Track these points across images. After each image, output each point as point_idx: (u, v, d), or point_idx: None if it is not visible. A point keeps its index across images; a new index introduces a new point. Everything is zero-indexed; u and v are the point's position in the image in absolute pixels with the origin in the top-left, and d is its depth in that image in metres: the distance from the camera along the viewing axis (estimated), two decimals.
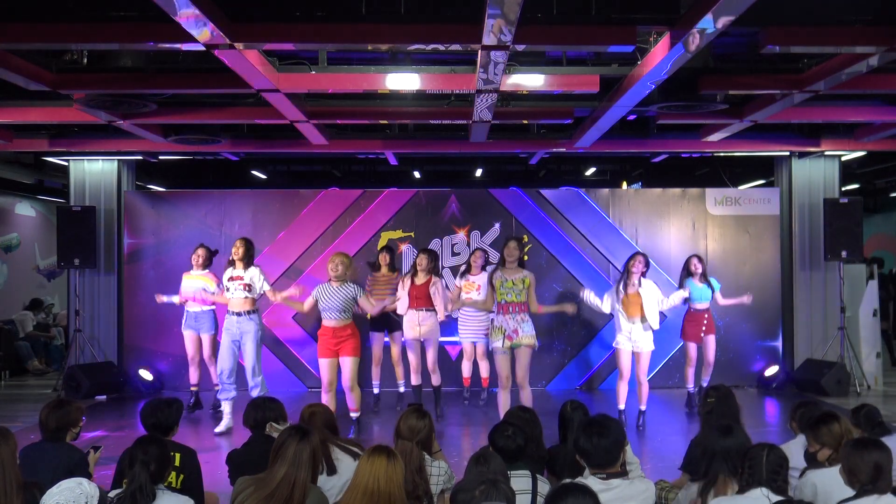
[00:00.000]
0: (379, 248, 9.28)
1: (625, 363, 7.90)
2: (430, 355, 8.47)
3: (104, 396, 10.04)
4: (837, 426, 4.06)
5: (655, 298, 7.91)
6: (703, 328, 8.89)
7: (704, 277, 8.94)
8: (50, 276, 15.55)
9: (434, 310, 8.39)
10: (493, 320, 7.35)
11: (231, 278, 7.89)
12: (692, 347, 8.93)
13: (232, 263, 7.95)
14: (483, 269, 8.86)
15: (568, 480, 3.30)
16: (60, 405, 4.41)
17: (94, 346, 10.76)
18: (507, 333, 7.10)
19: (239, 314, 7.83)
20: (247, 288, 7.83)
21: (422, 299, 8.35)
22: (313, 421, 4.29)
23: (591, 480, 3.44)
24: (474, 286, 8.64)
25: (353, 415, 7.52)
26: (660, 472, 5.67)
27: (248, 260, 7.92)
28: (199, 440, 7.59)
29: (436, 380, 8.60)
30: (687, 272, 8.95)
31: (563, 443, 4.49)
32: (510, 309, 7.14)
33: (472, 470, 3.51)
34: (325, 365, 7.36)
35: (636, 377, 7.96)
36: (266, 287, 7.89)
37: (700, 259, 9.05)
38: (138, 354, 10.67)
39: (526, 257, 10.60)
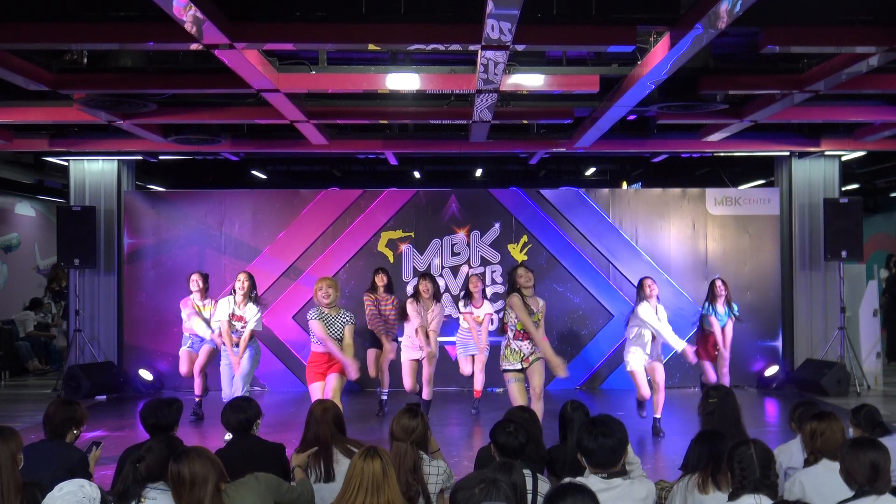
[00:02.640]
0: (375, 271, 9.04)
1: (643, 382, 7.72)
2: (427, 373, 8.27)
3: (104, 396, 10.04)
4: (808, 426, 4.10)
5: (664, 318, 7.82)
6: (716, 351, 8.75)
7: (728, 302, 8.73)
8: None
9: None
10: (508, 344, 6.88)
11: (233, 316, 7.77)
12: (709, 367, 8.71)
13: (233, 295, 7.82)
14: (484, 296, 8.86)
15: (567, 480, 3.30)
16: (68, 402, 4.49)
17: (94, 346, 10.76)
18: (524, 356, 6.77)
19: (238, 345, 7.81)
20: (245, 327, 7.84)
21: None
22: (325, 417, 4.29)
23: (591, 480, 3.44)
24: (479, 319, 8.64)
25: None
26: (660, 472, 5.69)
27: (252, 296, 7.88)
28: (201, 442, 7.59)
29: (427, 394, 8.34)
30: (712, 295, 8.73)
31: (563, 443, 4.49)
32: (529, 336, 6.78)
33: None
34: (316, 389, 6.89)
35: (656, 386, 7.78)
36: (255, 325, 7.79)
37: (724, 282, 8.80)
38: (138, 354, 10.67)
39: (525, 257, 10.64)
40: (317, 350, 6.82)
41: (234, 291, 7.81)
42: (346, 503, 3.26)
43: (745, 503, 3.36)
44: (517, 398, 6.70)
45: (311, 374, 6.88)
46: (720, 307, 8.71)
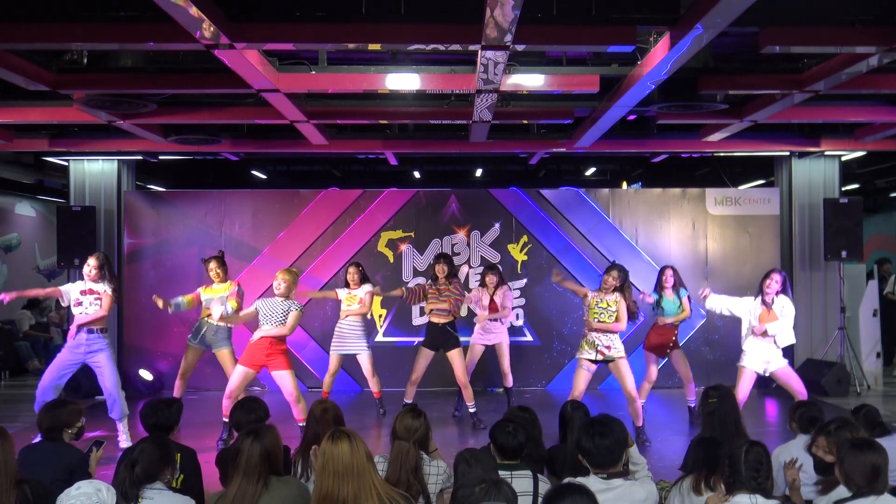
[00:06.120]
0: (435, 260, 8.43)
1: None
2: (505, 360, 8.83)
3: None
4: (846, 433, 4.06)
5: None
6: (671, 344, 8.32)
7: (676, 290, 8.33)
8: (50, 276, 15.53)
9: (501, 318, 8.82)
10: (585, 335, 7.44)
11: (84, 291, 7.45)
12: (652, 364, 8.34)
13: (83, 277, 7.54)
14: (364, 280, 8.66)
15: (567, 480, 3.30)
16: (56, 406, 4.49)
17: None
18: (599, 348, 7.30)
19: (91, 331, 7.50)
20: (100, 301, 7.49)
21: (493, 310, 8.70)
22: (325, 417, 4.31)
23: (591, 480, 3.44)
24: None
25: (301, 424, 7.23)
26: (660, 472, 5.67)
27: (103, 274, 7.49)
28: (200, 441, 7.58)
29: (509, 381, 8.98)
30: (659, 285, 8.35)
31: (563, 443, 4.50)
32: (601, 329, 7.36)
33: (463, 472, 3.50)
34: (240, 373, 7.14)
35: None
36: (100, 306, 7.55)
37: (674, 271, 8.41)
38: (138, 354, 10.67)
39: (525, 257, 10.65)
40: (260, 334, 7.23)
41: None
42: (323, 491, 3.20)
43: (740, 502, 3.36)
44: (578, 384, 7.31)
45: (247, 356, 7.24)
46: (669, 294, 8.30)
